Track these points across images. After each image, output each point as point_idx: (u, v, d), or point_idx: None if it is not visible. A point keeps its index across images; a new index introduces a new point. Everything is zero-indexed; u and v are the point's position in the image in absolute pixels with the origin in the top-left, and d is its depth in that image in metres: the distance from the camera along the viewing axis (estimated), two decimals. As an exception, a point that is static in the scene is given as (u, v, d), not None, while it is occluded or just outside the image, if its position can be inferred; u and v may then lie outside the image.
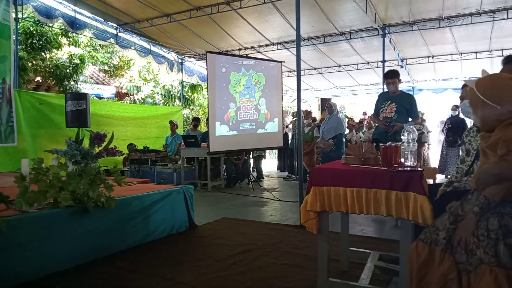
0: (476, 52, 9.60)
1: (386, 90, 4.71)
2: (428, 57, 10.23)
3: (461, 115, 7.69)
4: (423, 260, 1.64)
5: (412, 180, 2.01)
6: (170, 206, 3.73)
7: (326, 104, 6.84)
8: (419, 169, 2.11)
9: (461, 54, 9.80)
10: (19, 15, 7.23)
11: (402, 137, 2.39)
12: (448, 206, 1.76)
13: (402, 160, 2.35)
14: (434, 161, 9.21)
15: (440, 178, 7.08)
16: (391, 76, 4.48)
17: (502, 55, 8.91)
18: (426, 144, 8.81)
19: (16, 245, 2.47)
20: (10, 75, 5.90)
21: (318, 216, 2.31)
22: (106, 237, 3.09)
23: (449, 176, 4.02)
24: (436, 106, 13.07)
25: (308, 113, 8.87)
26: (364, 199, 2.12)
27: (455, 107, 8.06)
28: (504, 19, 7.42)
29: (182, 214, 3.91)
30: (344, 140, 6.72)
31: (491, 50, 9.38)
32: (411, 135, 2.33)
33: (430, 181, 3.99)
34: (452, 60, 10.06)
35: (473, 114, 1.77)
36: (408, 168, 2.14)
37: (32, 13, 7.66)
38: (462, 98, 2.69)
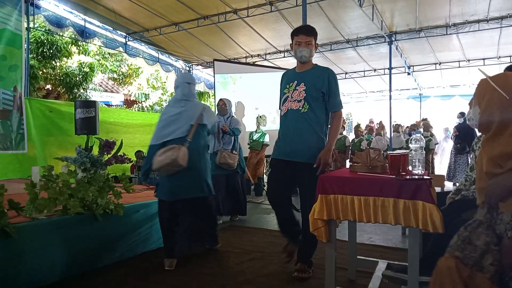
0: (484, 59, 9.57)
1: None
2: (435, 64, 10.22)
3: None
4: (466, 283, 1.37)
5: (420, 189, 1.99)
6: (177, 213, 3.74)
7: (218, 102, 4.97)
8: (427, 177, 2.10)
9: (469, 61, 9.77)
10: (31, 25, 7.36)
11: (410, 145, 2.39)
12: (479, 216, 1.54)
13: (410, 168, 2.34)
14: (437, 167, 9.15)
15: (448, 185, 7.01)
16: (305, 32, 2.72)
17: (511, 62, 8.87)
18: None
19: (26, 252, 2.49)
20: (21, 83, 5.99)
21: (326, 224, 2.30)
22: (114, 244, 3.11)
23: (457, 184, 3.96)
24: (444, 113, 13.01)
25: None
26: (372, 207, 2.11)
27: (461, 115, 8.01)
28: (511, 25, 7.40)
29: (189, 222, 3.91)
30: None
31: (499, 57, 9.34)
32: (418, 143, 2.33)
33: (438, 189, 3.96)
34: (459, 67, 10.04)
35: (474, 106, 1.56)
36: (416, 177, 2.13)
37: (43, 23, 7.81)
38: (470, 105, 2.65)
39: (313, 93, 2.70)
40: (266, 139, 6.65)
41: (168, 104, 3.29)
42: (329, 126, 2.87)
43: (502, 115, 1.41)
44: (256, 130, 6.74)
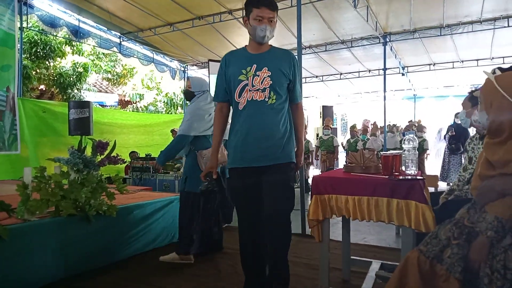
0: (477, 60, 9.63)
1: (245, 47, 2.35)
2: (430, 64, 10.27)
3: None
4: (424, 274, 1.49)
5: (413, 189, 2.00)
6: (171, 214, 3.72)
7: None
8: (420, 177, 2.11)
9: (463, 61, 9.83)
10: (24, 25, 7.30)
11: (403, 145, 2.40)
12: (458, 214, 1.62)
13: (403, 168, 2.35)
14: (429, 168, 9.19)
15: (442, 186, 7.04)
16: (270, 5, 2.16)
17: (504, 63, 8.94)
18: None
19: (18, 254, 2.47)
20: (14, 84, 5.95)
21: (320, 224, 2.30)
22: (107, 246, 3.09)
23: (451, 184, 3.97)
24: (438, 113, 13.11)
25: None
26: (366, 207, 2.13)
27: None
28: (505, 27, 7.45)
29: (183, 222, 3.90)
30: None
31: (492, 58, 9.41)
32: (411, 143, 2.34)
33: (432, 189, 3.98)
34: (453, 67, 10.09)
35: (480, 111, 1.56)
36: (409, 177, 2.14)
37: (37, 23, 7.77)
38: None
39: (280, 79, 2.20)
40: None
41: (199, 100, 3.30)
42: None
43: None
44: None
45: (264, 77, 2.17)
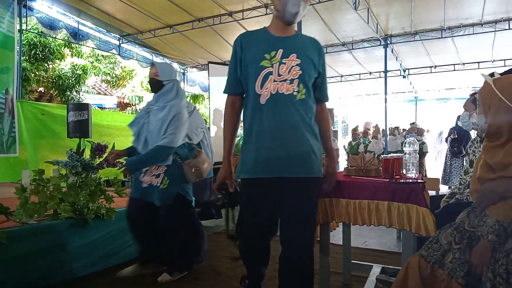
0: (478, 62, 9.62)
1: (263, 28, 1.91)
2: (431, 67, 10.26)
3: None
4: (425, 279, 1.50)
5: (413, 192, 1.98)
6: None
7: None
8: (420, 180, 2.09)
9: (464, 64, 9.82)
10: (23, 27, 7.30)
11: (404, 149, 2.37)
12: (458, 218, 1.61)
13: (404, 171, 2.33)
14: (431, 170, 9.18)
15: (444, 189, 7.01)
16: None
17: (505, 65, 8.94)
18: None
19: (16, 257, 2.45)
20: (13, 86, 5.94)
21: (319, 227, 2.28)
22: (106, 249, 3.06)
23: (452, 187, 3.95)
24: (439, 116, 13.08)
25: None
26: (366, 210, 2.10)
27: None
28: (506, 29, 7.44)
29: (182, 225, 3.87)
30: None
31: (494, 60, 9.40)
32: (412, 146, 2.32)
33: (433, 193, 3.95)
34: (454, 70, 10.08)
35: (478, 114, 1.55)
36: (410, 180, 2.12)
37: (36, 25, 7.75)
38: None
39: (310, 71, 1.78)
40: None
41: (183, 102, 2.83)
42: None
43: (511, 127, 1.42)
44: None
45: (292, 66, 1.74)
